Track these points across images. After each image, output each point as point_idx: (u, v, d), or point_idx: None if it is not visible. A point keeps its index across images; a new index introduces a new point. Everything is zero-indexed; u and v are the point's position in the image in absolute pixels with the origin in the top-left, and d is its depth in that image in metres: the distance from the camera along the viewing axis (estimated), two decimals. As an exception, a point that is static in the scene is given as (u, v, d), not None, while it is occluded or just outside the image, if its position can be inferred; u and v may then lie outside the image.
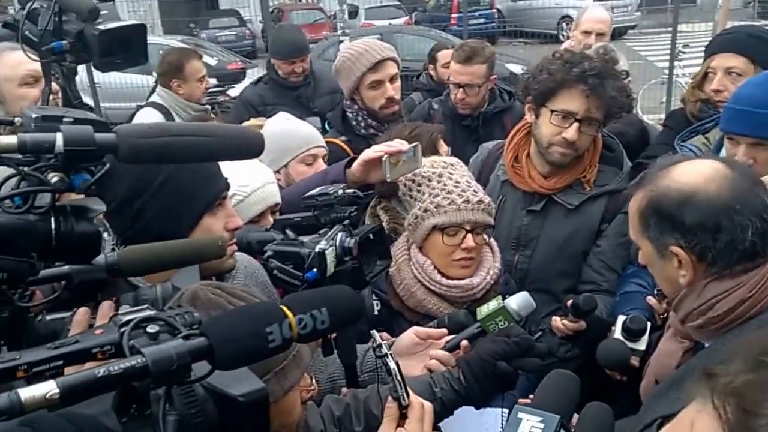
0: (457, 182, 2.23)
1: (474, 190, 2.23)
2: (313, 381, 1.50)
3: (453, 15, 18.44)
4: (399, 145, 2.29)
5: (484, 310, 1.90)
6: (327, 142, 3.15)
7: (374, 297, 2.27)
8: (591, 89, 2.43)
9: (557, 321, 2.37)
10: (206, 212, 1.73)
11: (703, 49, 3.09)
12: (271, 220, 2.30)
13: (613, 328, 2.19)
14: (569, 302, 2.29)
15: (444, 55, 5.23)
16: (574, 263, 2.67)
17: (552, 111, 2.51)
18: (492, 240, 2.38)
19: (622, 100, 2.51)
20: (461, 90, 3.76)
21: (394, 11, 22.05)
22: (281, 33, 4.94)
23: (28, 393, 0.72)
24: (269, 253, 1.85)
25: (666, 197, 1.53)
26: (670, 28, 10.80)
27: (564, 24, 18.97)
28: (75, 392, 0.75)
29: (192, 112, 4.60)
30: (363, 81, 3.31)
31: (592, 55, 2.57)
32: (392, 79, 3.31)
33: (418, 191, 2.26)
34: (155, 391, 0.85)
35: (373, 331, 1.50)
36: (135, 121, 4.63)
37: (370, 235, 1.92)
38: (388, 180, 2.28)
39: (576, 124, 2.47)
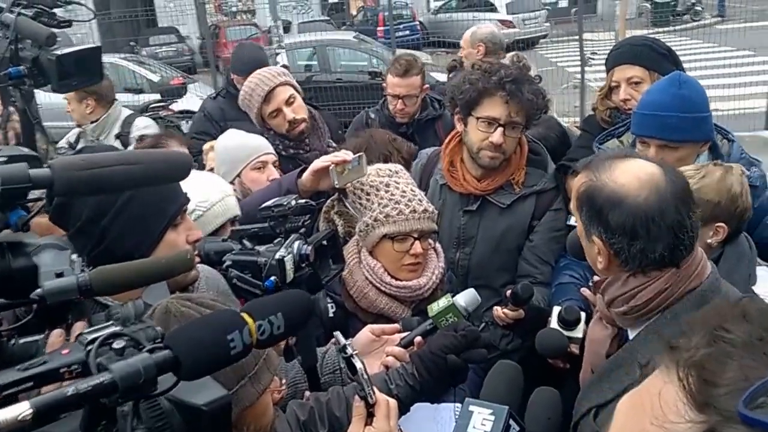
0: (404, 192, 2.23)
1: (419, 200, 2.24)
2: (283, 381, 1.47)
3: (379, 28, 18.52)
4: (344, 155, 2.31)
5: (434, 308, 1.90)
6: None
7: (329, 300, 2.25)
8: (510, 95, 2.48)
9: (498, 310, 2.39)
10: (169, 227, 1.68)
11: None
12: (230, 230, 2.27)
13: (549, 318, 2.21)
14: (508, 291, 2.31)
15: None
16: (510, 258, 2.70)
17: (478, 118, 2.55)
18: (436, 243, 2.38)
19: (539, 102, 2.56)
20: (400, 101, 3.78)
21: (325, 25, 21.94)
22: (244, 50, 4.74)
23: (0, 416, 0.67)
24: (228, 263, 1.81)
25: (600, 192, 1.53)
26: (576, 37, 11.14)
27: (481, 34, 19.28)
28: (47, 412, 0.72)
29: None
30: (262, 114, 3.27)
31: (508, 64, 2.62)
32: (288, 103, 3.24)
33: (368, 200, 2.25)
34: (121, 408, 0.82)
35: (337, 333, 1.48)
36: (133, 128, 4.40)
37: (324, 242, 1.91)
38: (336, 187, 2.30)
39: (500, 129, 2.52)
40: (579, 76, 10.70)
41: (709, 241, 2.06)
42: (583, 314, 2.18)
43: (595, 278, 2.30)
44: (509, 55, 4.16)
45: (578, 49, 10.73)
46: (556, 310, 2.21)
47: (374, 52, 13.07)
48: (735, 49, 14.15)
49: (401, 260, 2.21)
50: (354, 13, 24.37)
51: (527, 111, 2.53)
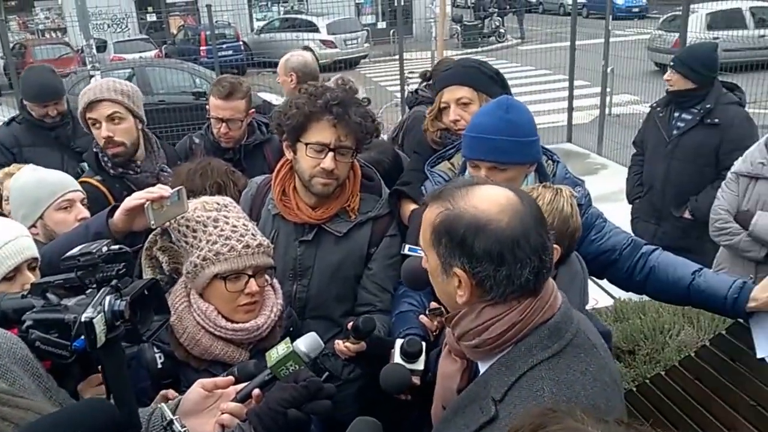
0: (234, 226, 2.02)
1: (252, 234, 2.04)
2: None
3: (202, 47, 17.91)
4: (160, 190, 2.07)
5: (273, 356, 1.71)
6: (82, 183, 2.83)
7: (156, 350, 1.98)
8: (337, 118, 2.36)
9: (340, 344, 2.26)
10: None
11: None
12: (30, 276, 1.95)
13: (392, 351, 2.12)
14: (350, 325, 2.20)
15: None
16: (349, 287, 2.58)
17: (306, 144, 2.41)
18: (273, 278, 2.20)
19: (368, 125, 2.45)
20: (224, 124, 3.52)
21: (144, 44, 20.81)
22: (31, 75, 4.28)
23: None
24: (28, 323, 1.50)
25: (461, 220, 1.43)
26: (396, 56, 11.48)
27: (304, 54, 19.30)
28: None
29: None
30: (85, 119, 3.08)
31: (333, 87, 2.51)
32: (112, 120, 3.04)
33: (194, 237, 2.01)
34: None
35: (162, 406, 1.26)
36: None
37: (145, 291, 1.65)
38: (153, 227, 2.05)
39: (331, 154, 2.39)
40: (399, 94, 11.01)
41: None
42: (423, 344, 2.11)
43: (432, 305, 2.26)
44: (334, 77, 4.06)
45: (398, 69, 11.07)
46: (398, 343, 2.12)
47: (198, 72, 12.53)
48: (535, 69, 15.43)
49: (236, 301, 2.00)
50: (174, 32, 23.38)
51: (356, 134, 2.42)
